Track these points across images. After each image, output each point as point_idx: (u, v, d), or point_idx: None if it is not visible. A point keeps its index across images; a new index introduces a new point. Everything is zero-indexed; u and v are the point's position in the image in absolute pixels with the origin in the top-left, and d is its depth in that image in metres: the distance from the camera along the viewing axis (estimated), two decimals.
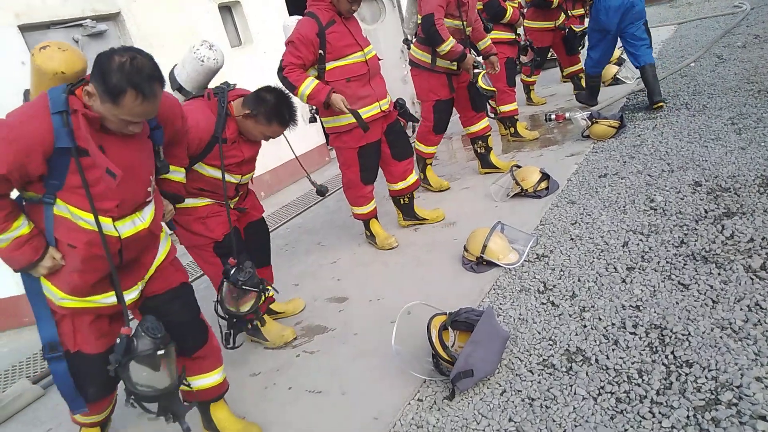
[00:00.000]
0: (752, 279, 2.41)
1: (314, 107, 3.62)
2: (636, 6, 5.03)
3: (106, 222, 1.78)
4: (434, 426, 2.11)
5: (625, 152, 4.33)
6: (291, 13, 6.11)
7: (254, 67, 5.56)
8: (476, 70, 4.09)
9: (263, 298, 2.61)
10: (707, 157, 3.80)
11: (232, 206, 2.82)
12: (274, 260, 4.07)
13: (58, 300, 1.88)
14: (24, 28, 3.93)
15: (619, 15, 5.03)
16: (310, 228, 4.66)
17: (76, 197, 1.73)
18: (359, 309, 3.14)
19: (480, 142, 4.60)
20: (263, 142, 2.78)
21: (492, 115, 4.92)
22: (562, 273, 2.90)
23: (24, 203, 1.81)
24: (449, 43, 3.88)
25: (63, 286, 1.85)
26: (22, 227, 1.75)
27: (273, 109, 2.59)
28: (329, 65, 3.34)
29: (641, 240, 3.00)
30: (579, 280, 2.79)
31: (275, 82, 5.58)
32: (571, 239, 3.22)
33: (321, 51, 3.28)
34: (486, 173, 4.69)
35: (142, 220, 1.90)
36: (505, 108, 5.31)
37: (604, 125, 4.71)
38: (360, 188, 3.71)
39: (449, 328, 2.38)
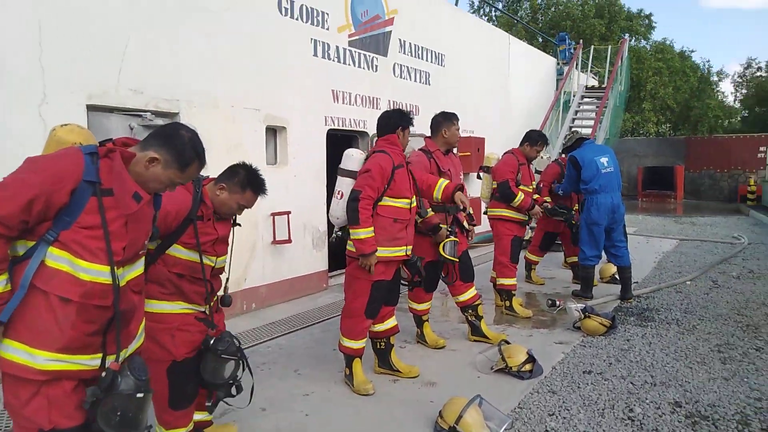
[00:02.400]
0: None
1: (339, 229, 3.86)
2: (621, 208, 5.89)
3: (104, 270, 1.85)
4: None
5: (612, 354, 4.41)
6: (329, 146, 6.63)
7: (282, 186, 5.92)
8: (447, 239, 4.24)
9: (243, 364, 2.78)
10: (690, 379, 3.86)
11: (205, 311, 2.82)
12: (247, 378, 4.03)
13: (40, 363, 1.79)
14: (90, 108, 4.31)
15: (607, 212, 5.79)
16: (291, 352, 4.63)
17: (79, 244, 1.81)
18: None
19: (470, 311, 4.73)
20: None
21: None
22: None
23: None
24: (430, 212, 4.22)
25: (51, 345, 1.80)
26: (2, 283, 1.77)
27: (246, 178, 2.78)
28: (384, 201, 3.68)
29: None
30: None
31: (301, 203, 5.95)
32: (546, 431, 3.20)
33: (386, 185, 3.63)
34: (475, 341, 4.75)
35: (133, 269, 2.03)
36: (505, 281, 5.52)
37: (596, 321, 4.85)
38: (361, 321, 3.78)
39: None
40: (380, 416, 3.45)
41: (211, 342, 2.70)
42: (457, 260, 4.36)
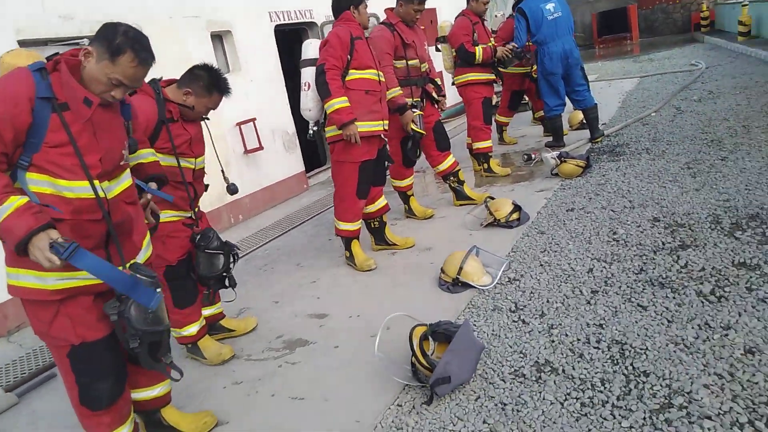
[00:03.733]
0: (702, 302, 2.66)
1: (315, 123, 3.90)
2: (574, 51, 5.84)
3: (86, 185, 1.82)
4: (413, 428, 2.25)
5: (591, 190, 4.63)
6: (278, 43, 6.38)
7: (241, 94, 5.76)
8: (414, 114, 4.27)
9: (232, 257, 2.92)
10: (665, 197, 4.11)
11: (191, 216, 2.94)
12: (254, 280, 4.22)
13: (51, 283, 1.84)
14: (24, 44, 4.04)
15: (560, 59, 5.77)
16: (289, 250, 4.78)
17: (53, 163, 1.77)
18: (340, 324, 3.26)
19: (452, 178, 4.86)
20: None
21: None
22: (532, 295, 3.11)
23: None
24: (393, 92, 4.09)
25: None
26: (20, 198, 1.73)
27: (209, 81, 2.79)
28: (351, 74, 3.67)
29: (605, 267, 3.24)
30: (547, 302, 2.99)
31: (263, 108, 5.83)
32: (541, 265, 3.44)
33: (349, 56, 3.60)
34: (461, 205, 4.92)
35: (121, 182, 2.00)
36: (480, 144, 5.61)
37: (572, 164, 5.03)
38: (354, 202, 3.88)
39: (429, 338, 2.54)
40: (387, 285, 3.66)
41: (197, 239, 2.86)
42: (424, 133, 4.40)
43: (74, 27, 4.34)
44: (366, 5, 3.77)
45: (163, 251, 2.83)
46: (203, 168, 3.06)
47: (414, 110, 4.27)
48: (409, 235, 4.45)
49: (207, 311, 3.27)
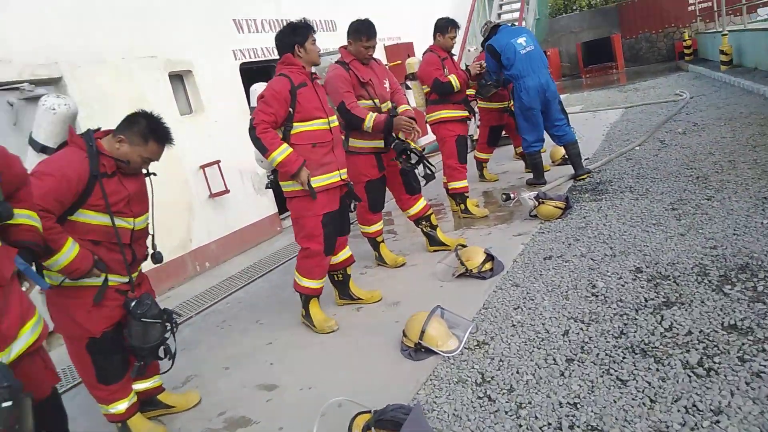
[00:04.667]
0: (689, 376, 2.34)
1: (271, 175, 3.64)
2: (551, 85, 5.63)
3: None
4: None
5: (570, 234, 4.34)
6: (247, 82, 6.15)
7: (204, 135, 5.51)
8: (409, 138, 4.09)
9: (170, 327, 2.65)
10: (648, 243, 3.82)
11: (128, 281, 2.64)
12: (208, 340, 3.89)
13: None
14: None
15: (538, 93, 5.55)
16: (251, 303, 4.45)
17: None
18: (289, 398, 2.92)
19: (424, 222, 4.57)
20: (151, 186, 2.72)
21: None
22: (501, 363, 2.78)
23: None
24: (370, 118, 3.89)
25: None
26: None
27: (147, 128, 2.54)
28: (296, 128, 3.39)
29: (581, 329, 2.92)
30: (518, 372, 2.67)
31: (229, 149, 5.55)
32: (513, 326, 3.12)
33: (291, 109, 3.33)
34: (434, 251, 4.62)
35: None
36: (456, 185, 5.35)
37: (550, 206, 4.76)
38: (322, 259, 3.58)
39: (372, 429, 2.20)
40: (346, 349, 3.33)
41: (132, 306, 2.55)
42: (422, 149, 4.15)
43: (13, 72, 4.06)
44: (314, 40, 3.47)
45: (86, 321, 2.52)
46: (146, 228, 2.76)
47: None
48: (378, 285, 4.14)
49: (141, 385, 2.93)
